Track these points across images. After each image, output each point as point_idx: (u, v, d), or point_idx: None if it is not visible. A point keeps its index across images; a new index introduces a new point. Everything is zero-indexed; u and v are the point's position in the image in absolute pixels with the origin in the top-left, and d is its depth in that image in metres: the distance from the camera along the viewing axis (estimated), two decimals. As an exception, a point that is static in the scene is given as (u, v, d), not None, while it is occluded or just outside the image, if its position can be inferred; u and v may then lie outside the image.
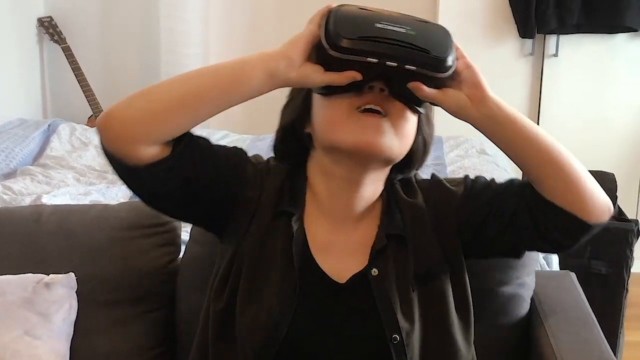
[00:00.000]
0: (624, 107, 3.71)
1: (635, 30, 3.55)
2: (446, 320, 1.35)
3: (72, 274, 1.79)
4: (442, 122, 3.84)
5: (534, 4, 3.54)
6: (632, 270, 2.75)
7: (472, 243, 1.39)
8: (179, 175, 1.29)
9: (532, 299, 1.79)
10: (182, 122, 1.28)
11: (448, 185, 1.45)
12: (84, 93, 3.95)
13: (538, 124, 3.73)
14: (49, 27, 4.00)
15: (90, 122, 3.98)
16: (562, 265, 2.33)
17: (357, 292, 1.34)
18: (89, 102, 3.95)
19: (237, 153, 1.41)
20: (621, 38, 3.63)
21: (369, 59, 1.17)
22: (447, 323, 1.35)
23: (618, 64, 3.67)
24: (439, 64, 1.20)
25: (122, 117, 1.23)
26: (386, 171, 1.40)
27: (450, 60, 1.20)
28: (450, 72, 1.21)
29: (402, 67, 1.18)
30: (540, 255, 2.17)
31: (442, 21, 3.66)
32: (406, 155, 1.37)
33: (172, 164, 1.28)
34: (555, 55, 3.67)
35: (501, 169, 2.98)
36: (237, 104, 1.26)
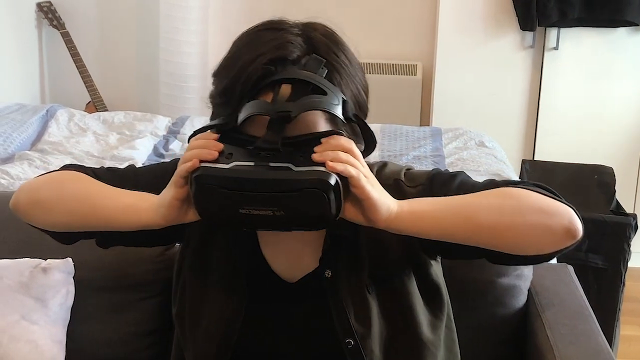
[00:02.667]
0: (624, 102, 3.70)
1: (636, 25, 3.54)
2: (411, 317, 1.30)
3: (70, 259, 1.79)
4: (441, 114, 3.85)
5: (535, -3, 3.54)
6: (629, 264, 2.75)
7: (430, 247, 1.29)
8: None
9: (529, 291, 1.79)
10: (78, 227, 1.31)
11: (406, 185, 1.30)
12: (82, 79, 3.94)
13: (537, 117, 3.77)
14: (48, 12, 3.99)
15: (89, 108, 3.97)
16: (560, 258, 2.33)
17: (309, 293, 1.29)
18: (87, 88, 3.94)
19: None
20: (622, 32, 3.62)
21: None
22: (413, 320, 1.30)
23: (618, 58, 3.66)
24: (319, 227, 1.14)
25: (27, 214, 1.34)
26: None
27: (330, 217, 1.10)
28: (336, 218, 1.12)
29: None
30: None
31: (443, 13, 3.66)
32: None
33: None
34: (556, 48, 3.66)
35: (500, 161, 2.97)
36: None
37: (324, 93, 1.12)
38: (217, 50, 4.27)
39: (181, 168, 1.13)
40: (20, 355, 1.68)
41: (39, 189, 1.29)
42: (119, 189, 1.26)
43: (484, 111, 3.76)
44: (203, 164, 1.10)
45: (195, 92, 4.04)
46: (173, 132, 3.24)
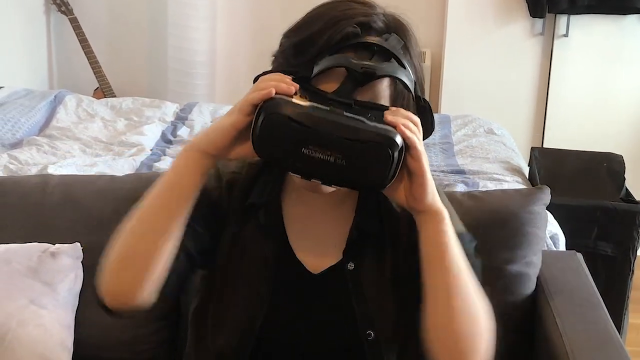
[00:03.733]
0: (634, 89, 3.68)
1: (647, 12, 3.52)
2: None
3: (78, 244, 1.79)
4: (450, 101, 3.84)
5: (545, -17, 3.52)
6: (639, 252, 2.75)
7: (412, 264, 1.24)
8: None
9: (538, 278, 1.79)
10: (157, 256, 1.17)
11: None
12: (90, 65, 3.94)
13: (547, 105, 3.76)
14: (56, -2, 3.98)
15: (97, 94, 3.97)
16: (569, 245, 2.32)
17: (331, 285, 1.30)
18: (95, 74, 3.94)
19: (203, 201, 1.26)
20: (632, 19, 3.60)
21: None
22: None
23: (628, 45, 3.64)
24: (372, 188, 1.13)
25: (111, 289, 1.18)
26: None
27: (385, 180, 1.09)
28: (388, 184, 1.10)
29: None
30: (547, 235, 2.16)
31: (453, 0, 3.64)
32: None
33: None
34: (566, 35, 3.64)
35: (509, 148, 2.96)
36: (187, 209, 1.17)
37: (404, 67, 1.14)
38: (225, 38, 4.27)
39: (254, 95, 1.09)
40: (29, 339, 1.68)
41: (107, 260, 1.21)
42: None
43: (492, 98, 3.75)
44: (279, 96, 1.08)
45: (204, 79, 4.03)
46: (181, 118, 3.24)
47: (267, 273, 1.29)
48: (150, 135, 3.01)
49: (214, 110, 3.33)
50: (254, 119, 1.09)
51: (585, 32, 3.65)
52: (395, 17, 1.23)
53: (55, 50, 4.21)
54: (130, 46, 4.24)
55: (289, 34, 1.21)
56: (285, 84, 1.09)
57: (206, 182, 1.21)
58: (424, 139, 1.16)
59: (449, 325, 1.16)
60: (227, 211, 1.30)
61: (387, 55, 1.14)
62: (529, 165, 3.01)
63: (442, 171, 2.68)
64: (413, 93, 1.16)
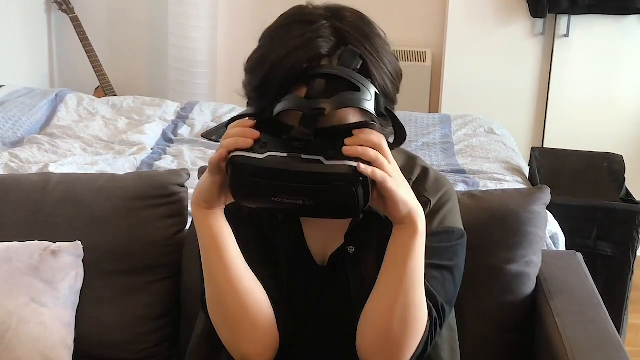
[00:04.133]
0: (634, 89, 3.68)
1: (647, 12, 3.52)
2: None
3: (79, 242, 1.79)
4: (450, 100, 3.84)
5: (545, -16, 3.52)
6: (639, 252, 2.75)
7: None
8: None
9: (538, 278, 1.79)
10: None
11: (422, 196, 1.32)
12: (91, 64, 3.94)
13: (547, 105, 3.76)
14: (57, -3, 3.99)
15: (98, 92, 3.97)
16: (569, 245, 2.32)
17: (336, 272, 1.31)
18: (96, 72, 3.94)
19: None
20: (633, 19, 3.60)
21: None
22: None
23: (629, 46, 3.64)
24: (348, 216, 1.19)
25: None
26: None
27: (357, 209, 1.13)
28: (363, 209, 1.14)
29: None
30: (547, 235, 2.17)
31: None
32: None
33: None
34: (566, 35, 3.64)
35: (509, 148, 2.96)
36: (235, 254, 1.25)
37: (357, 89, 1.14)
38: (226, 37, 4.27)
39: (213, 157, 1.16)
40: (29, 337, 1.68)
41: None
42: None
43: (493, 98, 3.75)
44: (238, 153, 1.14)
45: (204, 78, 4.04)
46: (182, 117, 3.24)
47: (283, 269, 1.31)
48: (151, 134, 3.02)
49: (215, 109, 3.33)
50: (224, 179, 1.17)
51: (586, 33, 3.65)
52: (342, 16, 1.21)
53: (56, 49, 4.21)
54: (131, 45, 4.24)
55: (249, 71, 1.23)
56: (244, 136, 1.14)
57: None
58: (398, 145, 1.19)
59: (384, 325, 1.20)
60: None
61: (340, 80, 1.13)
62: (529, 165, 3.01)
63: (443, 171, 2.68)
64: (374, 112, 1.15)
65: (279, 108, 1.14)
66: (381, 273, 1.21)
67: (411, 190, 1.18)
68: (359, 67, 1.15)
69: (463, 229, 1.34)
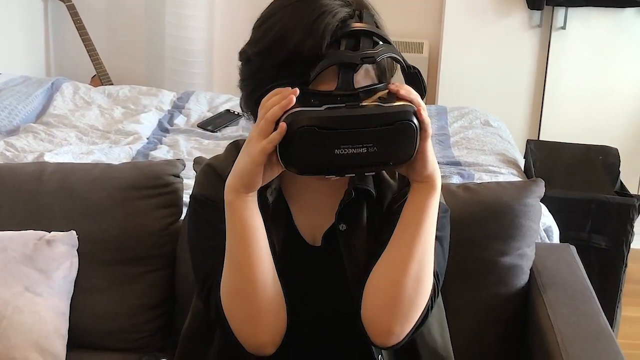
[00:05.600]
0: (630, 83, 3.68)
1: (644, 5, 3.52)
2: None
3: (74, 232, 1.79)
4: (447, 92, 3.84)
5: (543, -24, 3.52)
6: (632, 245, 2.75)
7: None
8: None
9: (531, 271, 1.80)
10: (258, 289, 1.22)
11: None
12: (87, 52, 3.93)
13: (543, 97, 3.76)
14: (54, -15, 3.97)
15: (94, 81, 3.96)
16: (563, 238, 2.33)
17: (329, 257, 1.31)
18: (92, 61, 3.93)
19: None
20: (630, 12, 3.59)
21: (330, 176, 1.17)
22: None
23: (625, 39, 3.64)
24: (401, 163, 1.17)
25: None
26: None
27: (413, 152, 1.14)
28: (414, 155, 1.16)
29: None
30: (541, 227, 2.17)
31: (451, -10, 3.63)
32: None
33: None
34: (563, 28, 3.64)
35: (505, 140, 2.97)
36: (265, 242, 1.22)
37: (389, 43, 1.16)
38: (223, 26, 4.26)
39: (273, 111, 1.10)
40: (23, 326, 1.69)
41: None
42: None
43: (489, 90, 3.75)
44: (293, 110, 1.10)
45: (201, 67, 4.03)
46: (178, 107, 3.24)
47: (275, 253, 1.29)
48: (147, 123, 3.01)
49: (211, 99, 3.33)
50: (278, 147, 1.10)
51: (582, 25, 3.65)
52: None
53: (52, 38, 4.20)
54: (128, 34, 4.23)
55: (262, 53, 1.20)
56: (287, 95, 1.10)
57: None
58: None
59: (398, 283, 1.20)
60: None
61: (371, 35, 1.15)
62: (524, 158, 3.01)
63: (438, 162, 2.67)
64: (404, 62, 1.18)
65: (323, 65, 1.12)
66: (397, 231, 1.21)
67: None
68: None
69: (446, 204, 1.35)
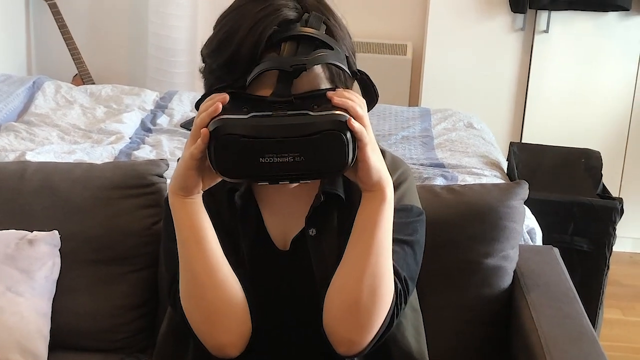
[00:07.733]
0: (613, 86, 3.71)
1: (627, 9, 3.54)
2: None
3: (56, 231, 1.78)
4: (430, 94, 3.84)
5: (526, -21, 3.54)
6: (614, 248, 2.77)
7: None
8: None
9: (515, 272, 1.80)
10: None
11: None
12: (69, 51, 3.90)
13: (526, 100, 3.77)
14: (36, -17, 3.95)
15: (76, 80, 3.93)
16: (546, 240, 2.34)
17: (298, 256, 1.31)
18: (74, 60, 3.90)
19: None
20: (612, 17, 3.62)
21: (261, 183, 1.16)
22: None
23: (608, 43, 3.66)
24: (336, 173, 1.16)
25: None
26: None
27: (346, 162, 1.11)
28: (351, 164, 1.13)
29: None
30: (525, 229, 2.18)
31: (435, -8, 3.64)
32: None
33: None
34: (546, 31, 3.66)
35: (488, 142, 2.97)
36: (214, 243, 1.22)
37: (331, 48, 1.14)
38: (207, 25, 4.24)
39: (197, 120, 1.12)
40: (5, 327, 1.67)
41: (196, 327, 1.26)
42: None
43: (473, 92, 3.76)
44: (219, 117, 1.10)
45: (184, 67, 4.01)
46: (161, 106, 3.22)
47: (246, 256, 1.30)
48: (130, 123, 3.00)
49: (194, 99, 3.29)
50: (206, 153, 1.11)
51: (565, 29, 3.67)
52: None
53: (34, 36, 4.17)
54: (110, 33, 4.20)
55: (211, 54, 1.21)
56: (218, 102, 1.11)
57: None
58: (369, 109, 1.19)
59: (353, 295, 1.19)
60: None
61: (312, 40, 1.14)
62: (507, 160, 3.02)
63: (422, 164, 2.69)
64: (348, 71, 1.16)
65: (256, 71, 1.12)
66: (350, 242, 1.21)
67: (382, 159, 1.17)
68: (324, 32, 1.16)
69: (421, 207, 1.34)
